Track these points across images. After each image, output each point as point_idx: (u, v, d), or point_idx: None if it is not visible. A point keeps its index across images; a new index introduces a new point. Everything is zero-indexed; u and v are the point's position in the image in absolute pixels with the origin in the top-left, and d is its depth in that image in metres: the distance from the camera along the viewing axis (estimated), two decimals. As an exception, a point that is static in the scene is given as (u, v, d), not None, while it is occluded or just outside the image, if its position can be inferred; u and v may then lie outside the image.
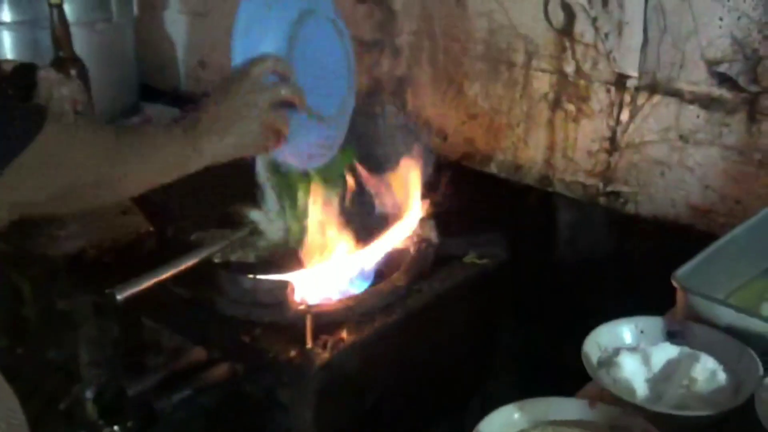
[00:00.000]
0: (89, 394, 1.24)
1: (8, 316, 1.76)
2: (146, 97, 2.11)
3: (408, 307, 1.33)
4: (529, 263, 1.55)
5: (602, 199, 1.55)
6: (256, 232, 1.36)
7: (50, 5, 1.64)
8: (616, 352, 1.02)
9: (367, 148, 1.46)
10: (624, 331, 1.05)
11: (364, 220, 1.41)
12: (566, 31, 1.52)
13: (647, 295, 1.11)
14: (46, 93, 1.51)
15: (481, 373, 1.46)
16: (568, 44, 1.52)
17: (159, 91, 2.17)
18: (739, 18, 1.33)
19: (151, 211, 1.47)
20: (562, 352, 1.16)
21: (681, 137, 1.44)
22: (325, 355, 1.23)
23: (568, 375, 1.01)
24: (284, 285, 1.28)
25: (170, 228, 1.34)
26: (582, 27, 1.50)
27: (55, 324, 1.93)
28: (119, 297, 1.16)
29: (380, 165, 1.45)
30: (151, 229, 1.49)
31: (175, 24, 2.15)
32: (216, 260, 1.34)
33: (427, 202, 1.42)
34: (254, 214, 1.39)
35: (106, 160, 0.96)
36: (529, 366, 1.56)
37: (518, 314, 1.51)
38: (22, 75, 1.41)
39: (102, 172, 0.96)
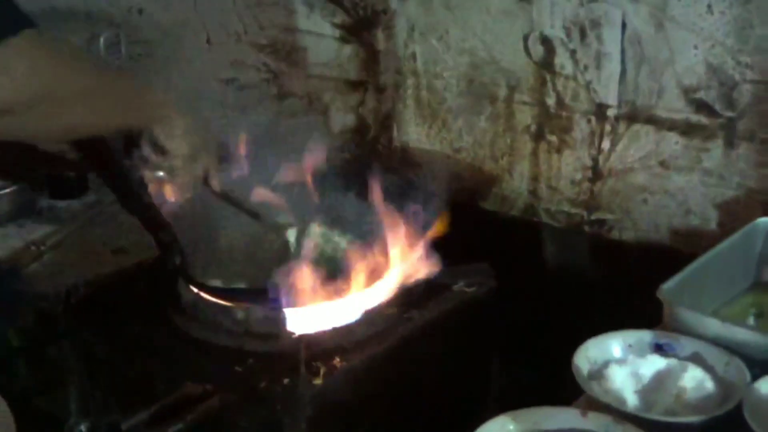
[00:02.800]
0: (83, 429, 1.24)
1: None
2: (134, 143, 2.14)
3: (400, 335, 1.35)
4: (517, 292, 1.57)
5: (587, 227, 1.59)
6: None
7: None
8: (606, 364, 1.05)
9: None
10: (612, 344, 1.08)
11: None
12: (546, 64, 1.57)
13: (634, 318, 1.14)
14: None
15: (472, 400, 1.47)
16: (548, 77, 1.57)
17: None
18: (713, 46, 1.39)
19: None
20: (552, 377, 1.18)
21: (661, 163, 1.49)
22: (318, 382, 1.24)
23: (559, 400, 1.03)
24: (277, 314, 1.30)
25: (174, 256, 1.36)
26: (561, 60, 1.55)
27: (44, 371, 1.93)
28: None
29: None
30: (142, 265, 1.50)
31: (163, 69, 2.20)
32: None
33: (428, 239, 1.44)
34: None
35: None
36: (519, 392, 1.57)
37: (508, 341, 1.53)
38: None
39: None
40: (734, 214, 1.43)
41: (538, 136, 1.61)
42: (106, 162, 1.30)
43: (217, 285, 1.36)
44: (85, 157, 1.61)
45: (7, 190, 1.79)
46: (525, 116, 1.62)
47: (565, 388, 1.05)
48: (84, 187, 1.86)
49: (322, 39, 1.85)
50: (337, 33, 1.82)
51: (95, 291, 1.50)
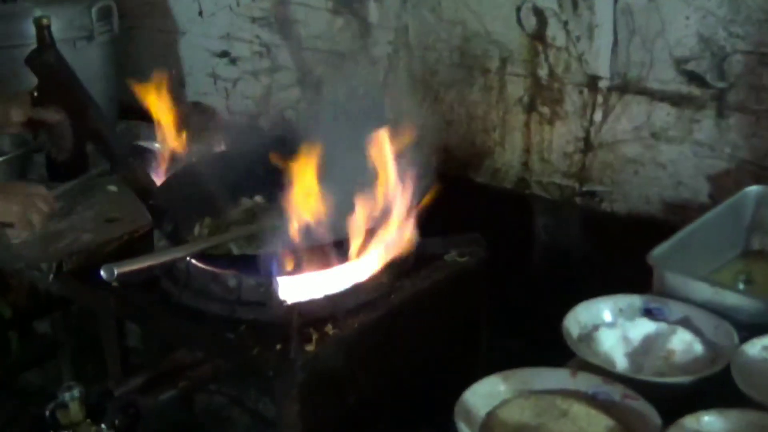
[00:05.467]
0: (76, 393, 1.25)
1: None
2: (125, 115, 2.14)
3: (391, 304, 1.37)
4: (509, 262, 1.58)
5: (578, 199, 1.60)
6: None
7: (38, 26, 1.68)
8: (596, 328, 1.06)
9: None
10: (602, 308, 1.09)
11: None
12: (539, 35, 1.57)
13: (624, 288, 1.15)
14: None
15: (462, 368, 1.48)
16: (541, 49, 1.58)
17: (138, 109, 2.19)
18: (704, 16, 1.39)
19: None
20: (542, 345, 1.19)
21: (653, 135, 1.50)
22: (311, 349, 1.26)
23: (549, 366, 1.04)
24: (269, 282, 1.31)
25: (167, 224, 1.36)
26: (554, 31, 1.55)
27: (35, 344, 1.94)
28: (117, 271, 1.18)
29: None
30: (137, 234, 1.51)
31: (155, 42, 2.19)
32: (235, 251, 1.38)
33: (419, 210, 1.45)
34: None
35: None
36: (510, 360, 1.58)
37: (499, 311, 1.54)
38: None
39: None
40: (725, 186, 1.44)
41: (530, 108, 1.62)
42: (97, 129, 1.30)
43: (209, 252, 1.36)
44: (76, 124, 1.62)
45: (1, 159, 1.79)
46: (517, 88, 1.62)
47: (554, 356, 1.06)
48: (83, 170, 1.86)
49: (314, 11, 1.85)
50: (330, 5, 1.82)
51: (88, 260, 1.50)
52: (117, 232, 1.57)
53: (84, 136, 1.71)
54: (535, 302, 1.61)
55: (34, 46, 1.74)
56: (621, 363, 1.01)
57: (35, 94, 1.79)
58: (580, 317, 1.07)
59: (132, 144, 1.72)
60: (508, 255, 1.60)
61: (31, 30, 1.72)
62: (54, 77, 1.23)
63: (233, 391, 1.49)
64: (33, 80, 1.73)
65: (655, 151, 1.50)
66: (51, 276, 1.49)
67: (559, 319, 1.10)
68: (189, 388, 1.33)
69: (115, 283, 1.23)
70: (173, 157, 1.57)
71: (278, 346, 1.25)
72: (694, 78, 1.43)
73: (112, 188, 1.76)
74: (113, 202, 1.70)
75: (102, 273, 1.20)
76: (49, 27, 1.68)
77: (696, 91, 1.43)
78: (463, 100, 1.70)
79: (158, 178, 1.51)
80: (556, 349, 1.06)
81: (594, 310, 1.09)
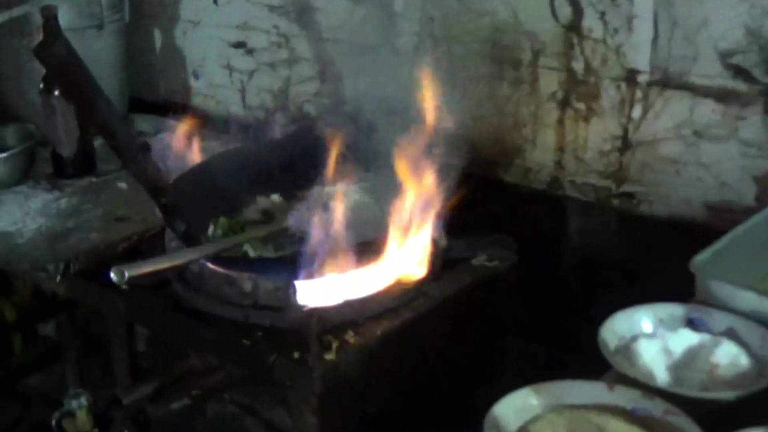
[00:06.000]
0: (83, 401, 1.26)
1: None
2: (135, 109, 2.15)
3: (416, 310, 1.36)
4: (540, 267, 1.58)
5: (615, 201, 1.59)
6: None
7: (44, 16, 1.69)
8: (634, 339, 1.05)
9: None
10: (642, 318, 1.08)
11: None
12: (574, 26, 1.56)
13: (665, 298, 1.14)
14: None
15: (491, 379, 1.48)
16: (576, 40, 1.57)
17: (149, 102, 2.21)
18: (751, 7, 1.38)
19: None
20: (576, 356, 1.18)
21: (695, 133, 1.48)
22: (330, 357, 1.26)
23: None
24: (286, 286, 1.31)
25: (179, 224, 1.37)
26: (590, 22, 1.54)
27: (40, 348, 1.95)
28: (128, 274, 1.18)
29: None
30: (147, 234, 1.52)
31: (167, 32, 2.20)
32: (251, 253, 1.38)
33: (446, 212, 1.45)
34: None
35: None
36: (541, 371, 1.58)
37: (530, 318, 1.53)
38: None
39: None
40: (773, 188, 1.42)
41: (564, 104, 1.61)
42: (107, 123, 1.31)
43: (224, 254, 1.37)
44: (85, 118, 1.63)
45: (3, 155, 1.80)
46: (550, 82, 1.61)
47: (589, 368, 1.05)
48: (90, 167, 1.87)
49: (335, 0, 1.85)
50: (352, -7, 1.83)
51: (96, 261, 1.51)
52: (127, 231, 1.58)
53: (92, 130, 1.73)
54: (568, 310, 1.60)
55: (38, 35, 1.76)
56: (661, 376, 1.00)
57: (42, 85, 1.81)
58: (618, 327, 1.06)
59: (143, 139, 1.73)
60: (540, 259, 1.60)
61: (37, 18, 1.73)
62: (63, 69, 1.23)
63: (247, 400, 1.49)
64: (38, 70, 1.74)
65: (697, 150, 1.49)
66: (57, 277, 1.50)
67: (594, 328, 1.09)
68: (201, 396, 1.33)
69: (125, 286, 1.23)
70: (186, 154, 1.57)
71: (296, 354, 1.25)
72: (740, 72, 1.42)
73: (122, 186, 1.77)
74: (123, 200, 1.71)
75: (112, 275, 1.21)
76: (56, 16, 1.69)
77: (742, 86, 1.42)
78: (492, 95, 1.69)
79: (170, 176, 1.51)
80: (591, 361, 1.06)
81: (632, 319, 1.08)
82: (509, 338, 1.52)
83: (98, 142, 1.82)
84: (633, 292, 1.52)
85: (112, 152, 1.39)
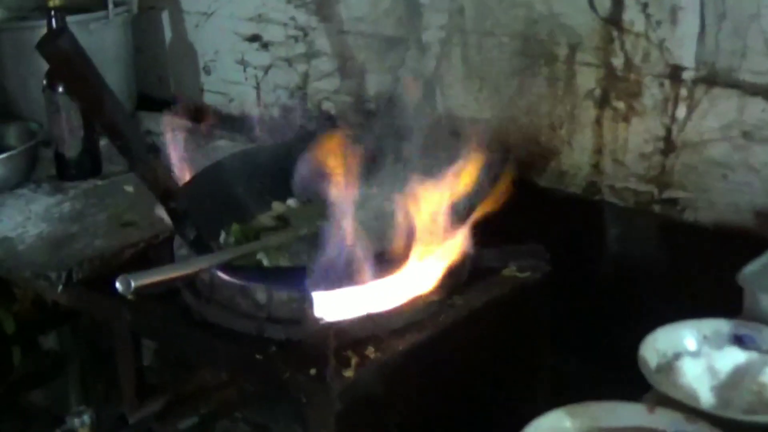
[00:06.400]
0: (86, 419, 1.27)
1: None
2: (143, 106, 2.17)
3: (441, 324, 1.37)
4: (576, 278, 1.58)
5: (657, 207, 1.59)
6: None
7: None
8: (677, 357, 1.05)
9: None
10: (685, 335, 1.08)
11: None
12: (614, 19, 1.56)
13: (710, 310, 1.14)
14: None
15: (522, 397, 1.48)
16: (615, 34, 1.57)
17: (157, 99, 2.23)
18: (806, -2, 1.37)
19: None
20: (614, 373, 1.18)
21: (744, 134, 1.48)
22: (349, 374, 1.26)
23: (621, 398, 1.03)
24: (303, 297, 1.31)
25: (189, 230, 1.38)
26: (631, 15, 1.54)
27: (40, 363, 1.97)
28: (134, 284, 1.19)
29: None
30: (155, 241, 1.53)
31: (177, 24, 2.22)
32: (265, 262, 1.39)
33: (475, 218, 1.45)
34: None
35: None
36: (576, 389, 1.58)
37: (564, 333, 1.53)
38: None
39: None
40: (828, 194, 1.42)
41: (603, 102, 1.61)
42: (113, 122, 1.32)
43: (237, 263, 1.38)
44: (91, 117, 1.65)
45: (4, 156, 1.82)
46: (588, 79, 1.61)
47: (628, 388, 1.05)
48: (95, 169, 1.89)
49: (357, -10, 1.87)
50: (375, -17, 1.83)
51: (101, 269, 1.53)
52: (133, 238, 1.59)
53: (98, 129, 1.75)
54: (606, 324, 1.60)
55: (41, 27, 1.78)
56: (706, 398, 1.00)
57: (45, 82, 1.83)
58: (659, 344, 1.06)
59: (151, 139, 1.75)
60: (575, 269, 1.60)
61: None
62: (68, 64, 1.25)
63: (260, 418, 1.50)
64: (40, 66, 1.76)
65: (746, 152, 1.48)
66: (60, 286, 1.51)
67: (633, 344, 1.09)
68: (211, 414, 1.34)
69: (131, 296, 1.25)
70: (197, 155, 1.59)
71: (312, 370, 1.26)
72: (793, 69, 1.41)
73: (129, 189, 1.79)
74: (129, 204, 1.73)
75: (117, 285, 1.22)
76: (62, 9, 1.71)
77: (795, 84, 1.42)
78: (525, 93, 1.69)
79: (180, 178, 1.52)
80: (629, 381, 1.06)
81: (675, 336, 1.08)
82: (541, 354, 1.52)
83: (104, 143, 1.84)
84: (676, 306, 1.52)
85: (118, 153, 1.40)
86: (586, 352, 1.60)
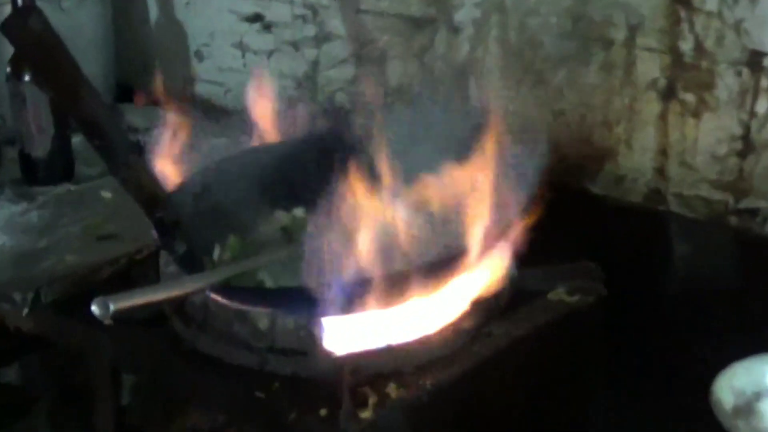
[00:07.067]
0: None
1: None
2: (125, 98, 2.19)
3: (475, 356, 1.37)
4: (634, 303, 1.58)
5: (732, 219, 1.59)
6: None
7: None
8: (758, 397, 1.05)
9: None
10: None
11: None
12: (682, -4, 1.57)
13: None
14: None
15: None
16: (683, 14, 1.57)
17: (141, 90, 2.24)
18: None
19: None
20: (676, 418, 1.18)
21: (838, 133, 1.48)
22: (366, 416, 1.26)
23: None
24: (312, 325, 1.32)
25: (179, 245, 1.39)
26: (702, -10, 1.55)
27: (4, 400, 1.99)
28: (113, 307, 1.20)
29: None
30: (138, 256, 1.54)
31: (165, 2, 2.24)
32: (268, 283, 1.41)
33: (516, 231, 1.45)
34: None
35: None
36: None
37: (619, 367, 1.53)
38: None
39: None
40: None
41: (669, 95, 1.61)
42: (90, 116, 1.33)
43: (234, 284, 1.38)
44: (63, 110, 1.66)
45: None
46: (650, 67, 1.62)
47: (698, 428, 1.05)
48: (68, 172, 1.90)
49: (376, -38, 1.88)
50: (398, -46, 1.85)
51: (74, 289, 1.54)
52: (113, 253, 1.60)
53: (72, 125, 1.76)
54: (671, 357, 1.60)
55: (5, 4, 1.80)
56: (792, 446, 1.00)
57: (9, 69, 1.84)
58: (737, 381, 1.06)
59: (134, 137, 1.76)
60: (635, 292, 1.60)
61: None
62: (37, 48, 1.26)
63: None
64: (4, 50, 1.78)
65: (840, 155, 1.49)
66: (25, 309, 1.52)
67: (704, 382, 1.09)
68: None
69: (109, 322, 1.25)
70: (188, 156, 1.60)
71: (323, 411, 1.26)
72: None
73: (107, 195, 1.80)
74: (108, 213, 1.74)
75: (94, 309, 1.23)
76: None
77: None
78: (575, 83, 1.70)
79: (168, 183, 1.53)
80: (700, 424, 1.05)
81: (756, 371, 1.08)
82: (594, 391, 1.51)
83: (78, 140, 1.85)
84: (756, 336, 1.52)
85: (95, 153, 1.41)
86: (646, 389, 1.60)
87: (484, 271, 1.43)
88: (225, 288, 1.37)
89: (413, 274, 1.34)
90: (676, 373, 1.57)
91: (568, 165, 1.72)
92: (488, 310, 1.42)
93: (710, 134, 1.59)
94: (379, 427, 1.27)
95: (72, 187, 1.88)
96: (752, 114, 1.54)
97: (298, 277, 1.42)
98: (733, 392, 1.05)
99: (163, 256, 1.47)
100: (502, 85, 1.77)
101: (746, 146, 1.56)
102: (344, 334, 1.34)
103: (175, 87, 2.24)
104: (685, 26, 1.57)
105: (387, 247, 1.41)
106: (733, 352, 1.44)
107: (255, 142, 1.70)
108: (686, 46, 1.58)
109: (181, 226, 1.40)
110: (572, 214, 1.66)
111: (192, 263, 1.41)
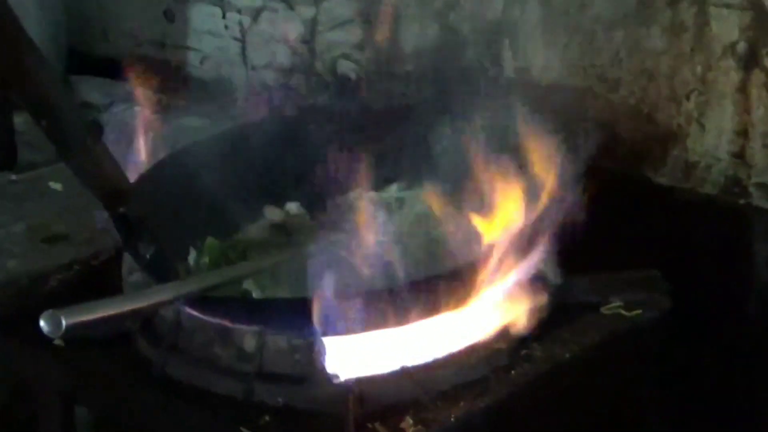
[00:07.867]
0: None
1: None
2: (79, 69, 2.19)
3: (511, 383, 1.37)
4: (706, 319, 1.58)
5: (829, 214, 1.59)
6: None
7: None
8: None
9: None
10: None
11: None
12: (766, -62, 1.57)
13: None
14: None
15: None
16: (769, -40, 1.58)
17: (97, 57, 2.25)
18: None
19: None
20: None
21: None
22: (378, 456, 1.27)
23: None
24: (310, 345, 1.32)
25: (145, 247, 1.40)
26: (791, -68, 1.55)
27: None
28: (65, 322, 1.21)
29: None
30: (95, 261, 1.55)
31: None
32: (255, 294, 1.42)
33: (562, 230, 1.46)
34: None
35: None
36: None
37: (686, 393, 1.54)
38: None
39: None
40: None
41: (750, 62, 1.61)
42: (40, 93, 1.34)
43: (213, 295, 1.39)
44: (5, 84, 1.67)
45: None
46: (728, 28, 1.62)
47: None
48: (9, 159, 1.91)
49: None
50: None
51: (16, 302, 1.54)
52: (64, 257, 1.61)
53: (14, 102, 1.76)
54: (750, 378, 1.60)
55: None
56: None
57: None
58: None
59: (91, 115, 1.76)
60: (706, 305, 1.60)
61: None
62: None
63: None
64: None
65: None
66: None
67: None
68: None
69: (60, 342, 1.26)
70: (155, 138, 1.60)
71: (324, 452, 1.27)
72: None
73: (57, 187, 1.80)
74: (58, 209, 1.74)
75: (42, 325, 1.23)
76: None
77: None
78: (634, 48, 1.70)
79: (132, 172, 1.54)
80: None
81: None
82: (656, 422, 1.52)
83: (21, 120, 1.86)
84: None
85: (43, 136, 1.42)
86: (720, 419, 1.61)
87: (521, 280, 1.44)
88: (202, 300, 1.37)
89: (434, 284, 1.35)
90: (753, 399, 1.57)
91: (625, 149, 1.73)
92: (526, 328, 1.42)
93: (802, 110, 1.60)
94: (394, 469, 1.28)
95: (14, 177, 1.88)
96: None
97: (291, 287, 1.43)
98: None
99: (126, 261, 1.48)
100: (544, 51, 1.77)
101: None
102: (349, 356, 1.34)
103: (140, 53, 2.25)
104: (771, -25, 1.58)
105: (403, 252, 1.42)
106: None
107: (238, 121, 1.71)
108: (772, 1, 1.59)
109: (148, 224, 1.40)
110: (631, 209, 1.66)
111: (161, 269, 1.41)
